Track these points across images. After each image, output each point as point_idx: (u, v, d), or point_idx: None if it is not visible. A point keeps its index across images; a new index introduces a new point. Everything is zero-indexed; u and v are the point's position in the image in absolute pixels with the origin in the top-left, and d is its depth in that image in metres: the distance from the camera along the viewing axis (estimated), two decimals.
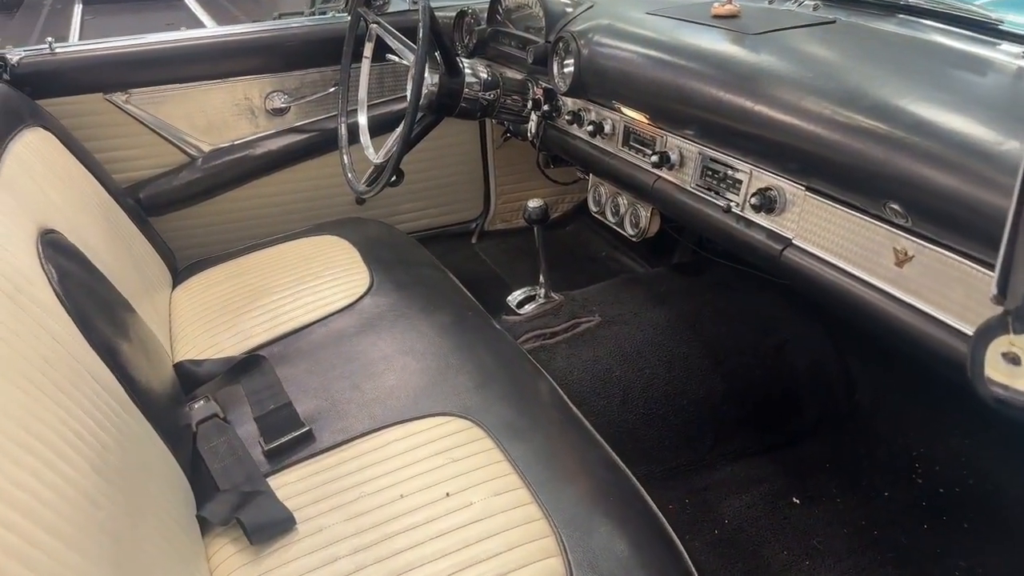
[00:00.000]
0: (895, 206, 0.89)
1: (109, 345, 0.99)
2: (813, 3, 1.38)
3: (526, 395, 1.17)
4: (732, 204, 1.15)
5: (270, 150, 1.91)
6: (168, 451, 1.02)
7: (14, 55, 1.59)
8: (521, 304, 1.61)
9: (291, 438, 1.12)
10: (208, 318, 1.47)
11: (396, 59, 1.66)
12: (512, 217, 2.37)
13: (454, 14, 1.88)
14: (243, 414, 1.20)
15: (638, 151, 1.36)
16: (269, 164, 1.92)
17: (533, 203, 1.50)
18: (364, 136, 1.64)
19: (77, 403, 0.83)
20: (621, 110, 1.38)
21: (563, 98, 1.56)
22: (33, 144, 1.33)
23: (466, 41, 1.87)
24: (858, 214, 0.96)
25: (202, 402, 1.22)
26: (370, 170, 1.58)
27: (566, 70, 1.48)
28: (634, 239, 1.48)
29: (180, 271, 1.73)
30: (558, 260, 2.15)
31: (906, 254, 0.90)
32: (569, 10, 1.55)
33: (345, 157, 1.64)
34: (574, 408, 1.16)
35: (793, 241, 1.06)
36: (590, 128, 1.45)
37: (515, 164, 2.27)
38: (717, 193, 1.19)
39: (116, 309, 1.13)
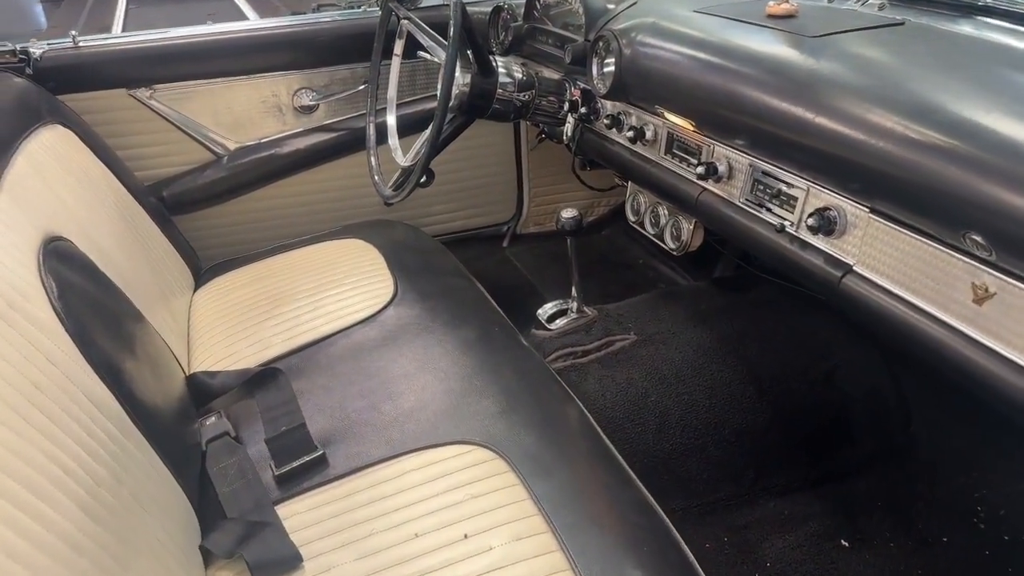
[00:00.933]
0: (976, 237, 0.78)
1: (111, 363, 0.94)
2: (879, 2, 1.26)
3: (554, 423, 1.09)
4: (786, 223, 1.05)
5: (297, 149, 1.85)
6: (172, 477, 0.96)
7: (37, 49, 1.55)
8: (552, 318, 1.53)
9: (303, 462, 1.06)
10: (227, 324, 1.42)
11: (427, 57, 1.59)
12: (545, 220, 2.28)
13: (490, 10, 1.80)
14: (255, 432, 1.15)
15: (682, 160, 1.27)
16: (296, 163, 1.86)
17: (567, 213, 1.41)
18: (392, 138, 1.56)
19: (68, 432, 0.77)
20: (664, 115, 1.28)
21: (602, 100, 1.47)
22: (49, 142, 1.28)
23: (501, 38, 1.78)
24: (931, 242, 0.86)
25: (213, 418, 1.17)
26: (397, 173, 1.51)
27: (606, 71, 1.39)
28: (675, 253, 1.38)
29: (203, 272, 1.69)
30: (592, 267, 2.06)
31: (987, 290, 0.80)
32: (611, 7, 1.46)
33: (372, 159, 1.57)
34: (605, 439, 1.08)
35: (854, 268, 0.96)
36: (630, 134, 1.35)
37: (550, 166, 2.19)
38: (769, 210, 1.09)
39: (124, 321, 1.07)
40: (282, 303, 1.45)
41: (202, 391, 1.24)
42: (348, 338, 1.32)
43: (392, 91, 1.60)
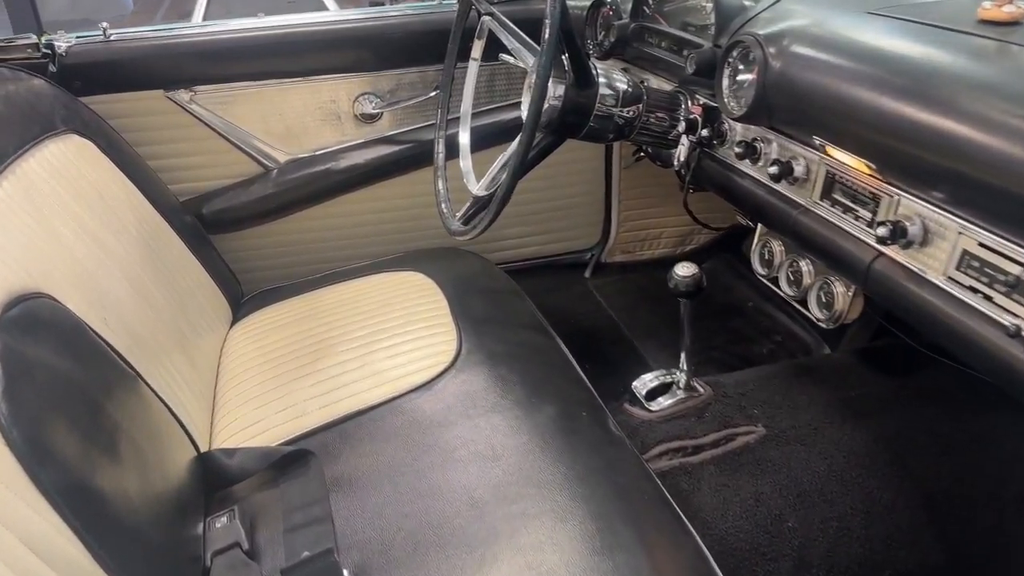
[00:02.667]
0: None
1: (75, 478, 0.70)
2: None
3: (663, 573, 0.80)
4: (1023, 326, 0.72)
5: (356, 163, 1.60)
6: None
7: (63, 42, 1.34)
8: (653, 394, 1.22)
9: None
10: (259, 379, 1.19)
11: (511, 61, 1.31)
12: (635, 248, 1.98)
13: (587, 4, 1.50)
14: (274, 540, 0.90)
15: (847, 210, 0.95)
16: (354, 180, 1.62)
17: (683, 270, 1.10)
18: (464, 159, 1.29)
19: None
20: (826, 150, 0.96)
21: (731, 122, 1.16)
22: (56, 157, 1.07)
23: (600, 38, 1.49)
24: None
25: (224, 520, 0.92)
26: (468, 203, 1.23)
27: (742, 85, 1.08)
28: (823, 325, 1.06)
29: (244, 302, 1.47)
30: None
31: None
32: (748, 3, 1.15)
33: (440, 184, 1.30)
34: None
35: None
36: (772, 169, 1.04)
37: (645, 186, 1.88)
38: (990, 299, 0.76)
39: (110, 401, 0.83)
40: (325, 355, 1.21)
41: (217, 474, 1.01)
42: (397, 411, 1.07)
43: (467, 102, 1.33)
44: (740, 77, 1.09)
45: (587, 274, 1.96)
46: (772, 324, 1.66)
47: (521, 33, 1.20)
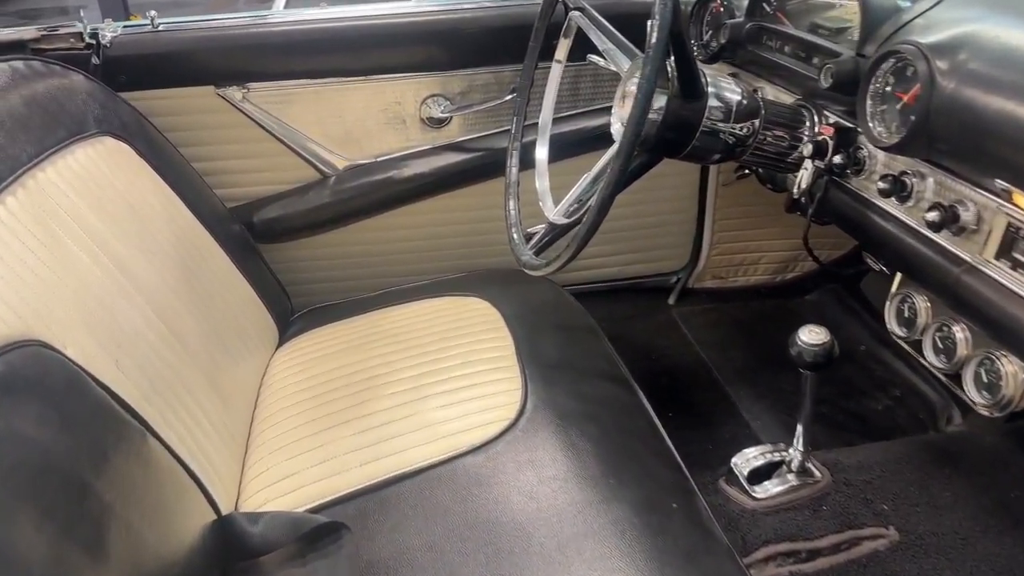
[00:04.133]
0: None
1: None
2: None
3: None
4: None
5: (421, 172, 1.45)
6: None
7: (108, 32, 1.23)
8: (757, 475, 1.01)
9: None
10: (299, 421, 1.06)
11: (600, 62, 1.13)
12: (728, 273, 1.76)
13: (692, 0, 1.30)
14: None
15: None
16: (419, 189, 1.46)
17: (810, 335, 0.88)
18: (541, 179, 1.12)
19: None
20: (1012, 197, 0.74)
21: (871, 147, 0.94)
22: (80, 165, 0.95)
23: (706, 39, 1.28)
24: None
25: None
26: (542, 230, 1.06)
27: (894, 106, 0.86)
28: (984, 412, 0.83)
29: (294, 319, 1.35)
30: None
31: None
32: (902, 3, 0.92)
33: (511, 205, 1.13)
34: None
35: None
36: (932, 216, 0.82)
37: (744, 204, 1.66)
38: None
39: (101, 477, 0.69)
40: (372, 396, 1.07)
41: (237, 543, 0.87)
42: (447, 480, 0.91)
43: (547, 111, 1.15)
44: (892, 104, 0.87)
45: (671, 301, 1.76)
46: (888, 374, 1.42)
47: (616, 32, 1.02)
